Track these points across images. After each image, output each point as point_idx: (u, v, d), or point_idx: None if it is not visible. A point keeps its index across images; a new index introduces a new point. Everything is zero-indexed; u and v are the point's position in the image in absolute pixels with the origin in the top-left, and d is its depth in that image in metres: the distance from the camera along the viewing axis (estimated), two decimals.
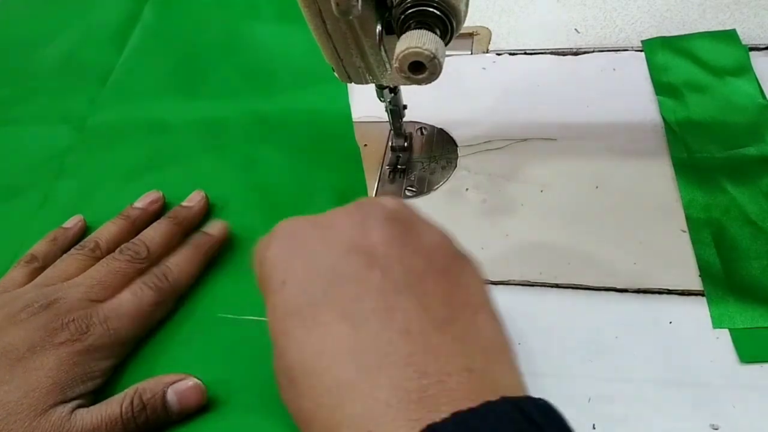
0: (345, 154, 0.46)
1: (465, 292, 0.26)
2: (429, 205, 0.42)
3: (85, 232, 0.43)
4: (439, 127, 0.48)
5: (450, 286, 0.26)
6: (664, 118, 0.44)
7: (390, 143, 0.46)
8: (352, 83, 0.37)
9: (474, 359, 0.23)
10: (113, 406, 0.31)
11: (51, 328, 0.32)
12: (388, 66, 0.34)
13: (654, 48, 0.49)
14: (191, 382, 0.32)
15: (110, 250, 0.38)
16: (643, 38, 0.50)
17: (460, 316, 0.24)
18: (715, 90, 0.45)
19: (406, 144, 0.45)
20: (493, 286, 0.37)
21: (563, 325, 0.35)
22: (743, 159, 0.41)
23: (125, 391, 0.32)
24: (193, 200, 0.42)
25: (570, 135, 0.45)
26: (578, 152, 0.44)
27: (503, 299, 0.36)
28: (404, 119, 0.44)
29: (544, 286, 0.37)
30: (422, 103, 0.46)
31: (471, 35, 0.54)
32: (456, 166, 0.45)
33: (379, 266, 0.25)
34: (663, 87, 0.46)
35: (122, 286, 0.35)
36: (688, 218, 0.38)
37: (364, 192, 0.44)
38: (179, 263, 0.38)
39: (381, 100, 0.40)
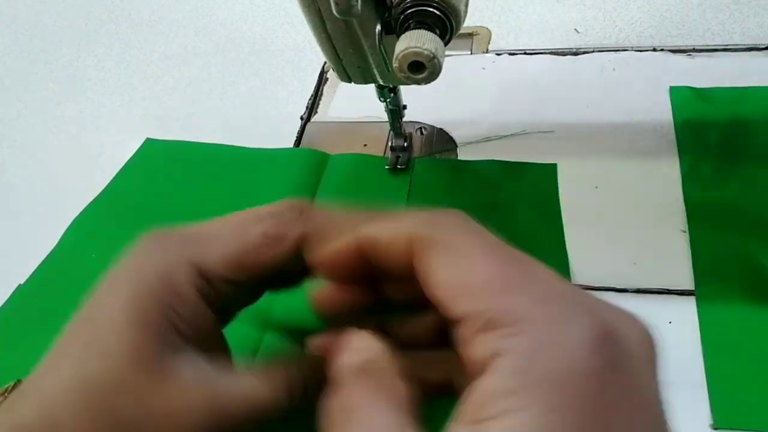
0: None
1: None
2: None
3: None
4: (438, 127, 0.47)
5: None
6: None
7: (390, 143, 0.46)
8: (352, 83, 0.37)
9: None
10: None
11: None
12: (388, 66, 0.34)
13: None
14: None
15: None
16: (643, 38, 0.50)
17: None
18: None
19: (406, 144, 0.45)
20: None
21: None
22: None
23: None
24: None
25: (570, 135, 0.45)
26: (578, 152, 0.44)
27: None
28: (404, 119, 0.43)
29: None
30: (422, 103, 0.46)
31: (471, 35, 0.54)
32: None
33: None
34: None
35: None
36: None
37: None
38: None
39: (381, 100, 0.40)
